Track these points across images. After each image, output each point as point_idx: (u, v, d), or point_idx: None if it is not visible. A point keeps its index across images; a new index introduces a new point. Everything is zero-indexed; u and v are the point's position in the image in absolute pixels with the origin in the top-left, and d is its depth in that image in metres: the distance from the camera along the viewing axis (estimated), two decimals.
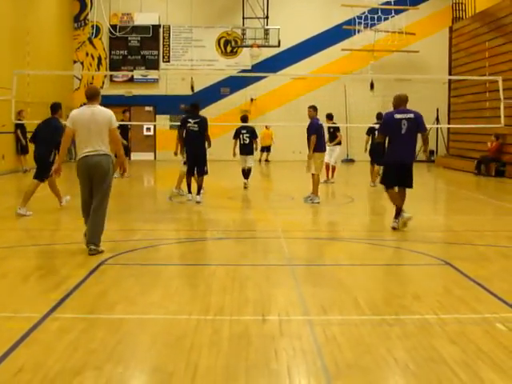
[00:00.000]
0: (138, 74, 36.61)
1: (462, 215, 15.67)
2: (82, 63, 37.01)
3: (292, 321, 6.86)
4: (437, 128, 34.40)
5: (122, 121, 24.44)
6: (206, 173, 16.87)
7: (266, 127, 34.85)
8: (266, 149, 35.33)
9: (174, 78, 36.55)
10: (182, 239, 12.22)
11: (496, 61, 28.38)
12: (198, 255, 10.78)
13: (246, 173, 20.83)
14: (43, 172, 14.67)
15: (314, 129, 16.95)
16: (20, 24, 27.74)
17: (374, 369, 5.53)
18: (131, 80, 36.89)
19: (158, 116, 36.57)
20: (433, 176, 29.06)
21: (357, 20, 34.58)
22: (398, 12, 34.63)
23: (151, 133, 36.97)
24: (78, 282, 8.27)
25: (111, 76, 36.76)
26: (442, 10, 36.27)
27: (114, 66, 36.83)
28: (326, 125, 23.11)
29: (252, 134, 20.79)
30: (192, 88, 36.00)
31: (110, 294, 7.86)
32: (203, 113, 17.96)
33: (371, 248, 11.37)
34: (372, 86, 35.65)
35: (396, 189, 12.82)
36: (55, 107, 15.20)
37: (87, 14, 36.39)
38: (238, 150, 20.43)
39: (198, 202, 16.39)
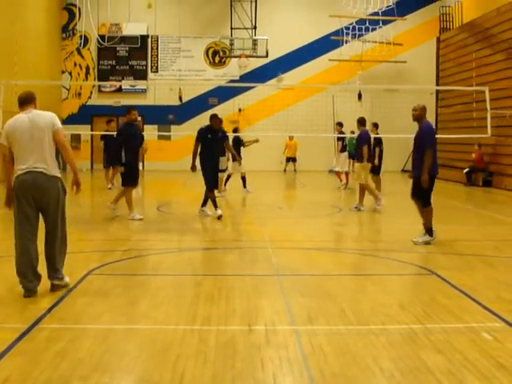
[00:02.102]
0: (126, 84, 36.62)
1: (448, 225, 15.69)
2: (70, 73, 37.00)
3: (278, 330, 6.88)
4: None
5: (107, 131, 24.26)
6: (207, 186, 16.09)
7: (290, 138, 35.15)
8: (292, 159, 35.93)
9: (163, 88, 36.57)
10: (170, 249, 12.21)
11: (483, 71, 28.54)
12: (185, 265, 10.77)
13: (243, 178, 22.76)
14: (125, 177, 15.64)
15: (364, 140, 17.41)
16: (8, 34, 27.70)
17: (359, 378, 5.55)
18: (119, 90, 36.89)
19: (146, 126, 36.53)
20: None
21: (345, 31, 34.67)
22: (385, 23, 34.74)
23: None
24: (65, 292, 8.26)
25: (99, 86, 36.76)
26: (430, 20, 36.45)
27: (103, 76, 36.83)
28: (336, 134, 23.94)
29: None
30: (180, 98, 36.04)
31: (96, 304, 7.85)
32: (192, 123, 18.04)
33: (358, 258, 11.41)
34: (360, 96, 35.79)
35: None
36: (127, 110, 16.28)
37: (75, 24, 36.40)
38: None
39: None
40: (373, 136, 22.64)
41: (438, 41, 35.55)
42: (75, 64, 37.06)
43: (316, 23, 36.08)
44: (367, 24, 34.55)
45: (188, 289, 8.90)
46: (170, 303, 8.01)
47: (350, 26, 34.75)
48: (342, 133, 24.69)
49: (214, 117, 16.24)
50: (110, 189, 23.47)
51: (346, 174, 24.78)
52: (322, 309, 7.74)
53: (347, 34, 34.80)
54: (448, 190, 25.94)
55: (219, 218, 15.44)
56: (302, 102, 35.28)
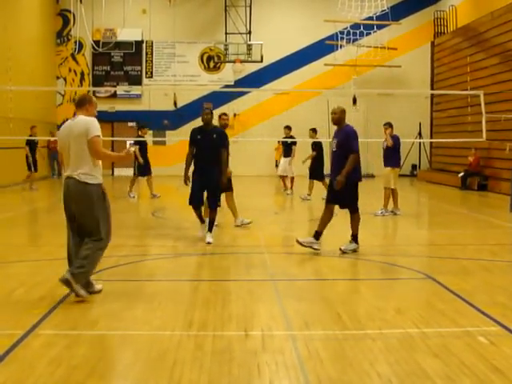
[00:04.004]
0: (121, 89, 36.61)
1: (444, 229, 15.73)
2: (64, 79, 36.99)
3: (275, 336, 6.87)
4: (419, 142, 34.57)
5: (139, 137, 23.72)
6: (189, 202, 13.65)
7: (278, 142, 35.18)
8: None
9: (157, 93, 36.56)
10: (166, 254, 12.19)
11: (477, 75, 28.59)
12: (181, 271, 10.76)
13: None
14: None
15: (396, 144, 17.80)
16: (2, 40, 27.70)
17: (356, 383, 5.54)
18: (114, 96, 36.89)
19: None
20: (415, 190, 29.16)
21: (339, 35, 34.66)
22: (380, 27, 34.76)
23: (134, 148, 36.85)
24: (61, 298, 8.24)
25: (94, 92, 36.67)
26: (424, 24, 36.51)
27: (97, 81, 36.83)
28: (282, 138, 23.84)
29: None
30: (175, 103, 36.01)
31: (92, 310, 7.85)
32: (187, 128, 17.33)
33: (353, 263, 11.39)
34: (354, 100, 35.77)
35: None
36: (218, 116, 15.40)
37: (70, 30, 36.41)
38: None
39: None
40: (312, 141, 22.71)
41: (433, 45, 35.62)
42: (70, 69, 37.04)
43: (311, 28, 36.12)
44: (362, 28, 34.56)
45: (184, 294, 8.88)
46: (165, 309, 7.99)
47: (345, 31, 34.74)
48: (291, 137, 24.28)
49: (202, 113, 13.49)
50: (133, 197, 22.99)
51: (292, 179, 24.55)
52: (317, 314, 7.74)
53: (342, 38, 34.79)
54: (443, 194, 25.97)
55: (208, 243, 12.91)
56: (297, 106, 35.33)
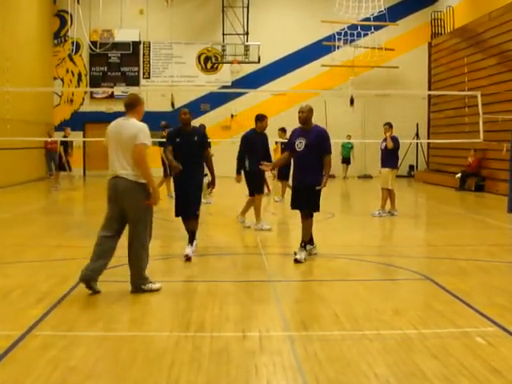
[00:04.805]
0: (118, 90, 36.55)
1: (442, 230, 15.73)
2: (62, 80, 36.92)
3: (272, 337, 6.86)
4: (417, 143, 34.57)
5: (163, 137, 23.63)
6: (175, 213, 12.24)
7: (276, 143, 35.08)
8: None
9: (155, 94, 36.50)
10: (163, 256, 12.17)
11: (475, 76, 28.60)
12: (178, 271, 10.75)
13: None
14: (250, 186, 15.23)
15: (397, 145, 17.91)
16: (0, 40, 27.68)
17: None
18: (111, 96, 36.81)
19: None
20: (413, 191, 29.17)
21: (336, 36, 34.68)
22: (377, 28, 34.78)
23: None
24: (59, 299, 8.24)
25: (91, 92, 36.69)
26: (421, 25, 36.49)
27: (94, 82, 36.75)
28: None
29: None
30: (172, 104, 35.97)
31: (90, 311, 7.84)
32: None
33: (351, 263, 11.37)
34: (352, 101, 35.77)
35: None
36: (259, 117, 15.85)
37: (67, 31, 36.32)
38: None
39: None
40: (281, 141, 22.69)
41: (430, 46, 35.65)
42: (67, 70, 36.97)
43: (308, 29, 36.09)
44: (359, 29, 34.61)
45: (181, 295, 8.88)
46: (163, 310, 8.00)
47: (342, 32, 34.79)
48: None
49: (179, 113, 12.36)
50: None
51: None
52: (315, 314, 7.74)
53: (339, 39, 34.81)
54: (440, 194, 25.98)
55: (187, 258, 11.30)
56: (295, 107, 35.15)
